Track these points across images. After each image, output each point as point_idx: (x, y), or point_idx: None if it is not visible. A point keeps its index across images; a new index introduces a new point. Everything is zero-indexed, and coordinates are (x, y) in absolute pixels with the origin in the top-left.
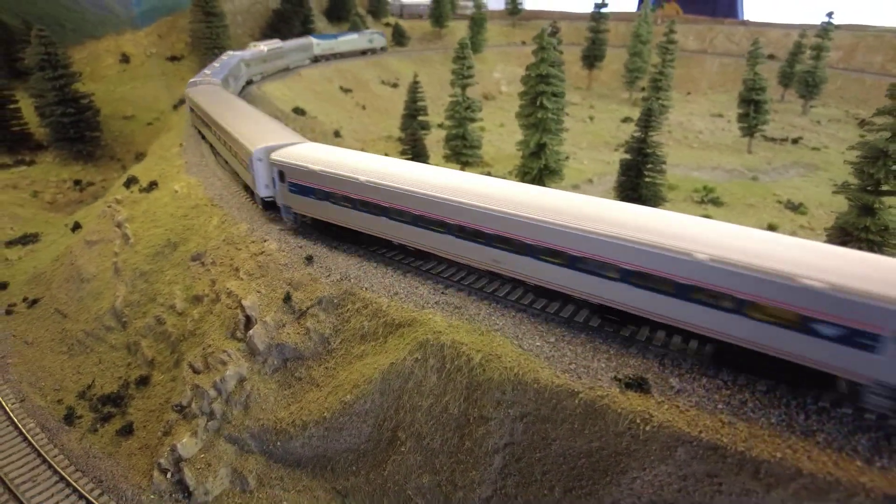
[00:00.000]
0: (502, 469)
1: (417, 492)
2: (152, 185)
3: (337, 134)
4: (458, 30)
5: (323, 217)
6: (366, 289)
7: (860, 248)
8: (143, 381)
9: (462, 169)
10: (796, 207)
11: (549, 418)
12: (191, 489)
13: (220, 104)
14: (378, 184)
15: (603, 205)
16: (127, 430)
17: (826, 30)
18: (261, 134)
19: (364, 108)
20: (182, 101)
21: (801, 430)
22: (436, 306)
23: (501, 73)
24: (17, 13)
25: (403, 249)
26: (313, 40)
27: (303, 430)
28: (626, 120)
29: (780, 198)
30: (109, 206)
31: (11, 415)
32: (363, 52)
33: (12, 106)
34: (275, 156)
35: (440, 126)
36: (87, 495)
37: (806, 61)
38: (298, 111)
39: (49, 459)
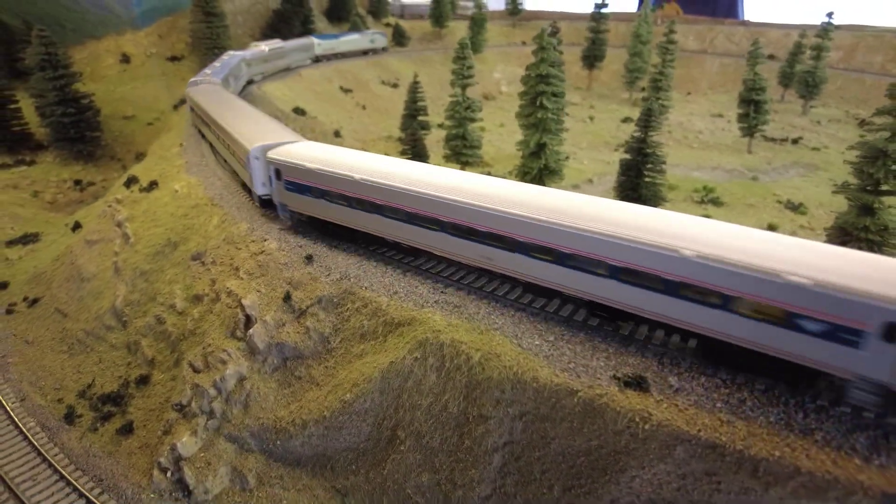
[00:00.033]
0: (501, 468)
1: (417, 490)
2: (152, 185)
3: (337, 134)
4: (459, 30)
5: (318, 215)
6: (365, 288)
7: (860, 248)
8: (144, 381)
9: (462, 169)
10: (796, 207)
11: (549, 417)
12: (191, 488)
13: (219, 103)
14: (372, 182)
15: (593, 202)
16: (127, 429)
17: (826, 30)
18: (258, 132)
19: (364, 108)
20: (182, 101)
21: (800, 429)
22: (435, 305)
23: (501, 74)
24: (18, 13)
25: (399, 247)
26: (314, 40)
27: (302, 429)
28: (626, 120)
29: (780, 198)
30: (110, 206)
31: (12, 414)
32: (365, 52)
33: (13, 106)
34: (271, 154)
35: (440, 126)
36: (87, 494)
37: (806, 61)
38: (299, 111)
39: (49, 458)
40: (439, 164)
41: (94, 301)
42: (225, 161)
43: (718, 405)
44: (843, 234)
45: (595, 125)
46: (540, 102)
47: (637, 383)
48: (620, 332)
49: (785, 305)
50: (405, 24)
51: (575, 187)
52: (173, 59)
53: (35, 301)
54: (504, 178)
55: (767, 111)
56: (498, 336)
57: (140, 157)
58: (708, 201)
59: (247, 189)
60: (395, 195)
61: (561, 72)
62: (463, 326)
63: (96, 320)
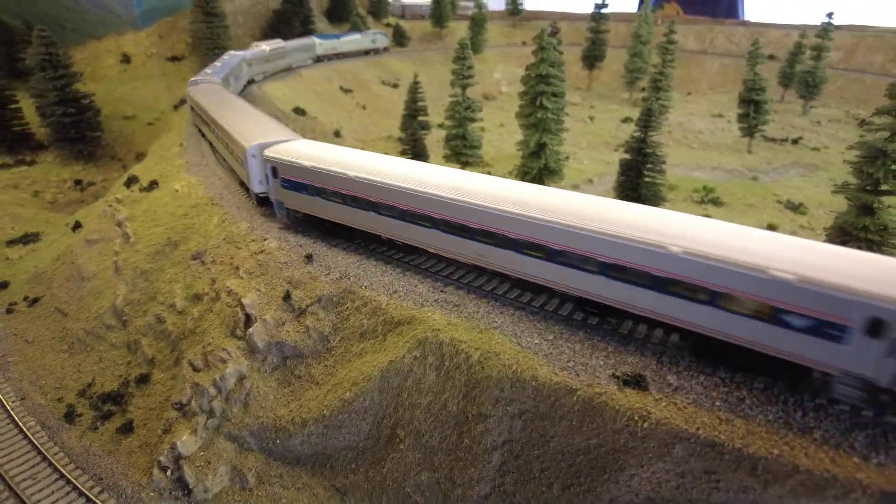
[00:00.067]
0: (501, 466)
1: (416, 489)
2: (153, 185)
3: (337, 134)
4: (459, 30)
5: (314, 212)
6: (365, 287)
7: (859, 248)
8: (144, 380)
9: (462, 169)
10: (796, 207)
11: (548, 415)
12: (190, 487)
13: (218, 102)
14: (366, 179)
15: (583, 200)
16: (127, 428)
17: (826, 30)
18: (255, 131)
19: (364, 108)
20: (183, 101)
21: (799, 427)
22: (435, 304)
23: (502, 74)
24: (18, 13)
25: (393, 244)
26: (316, 40)
27: (302, 428)
28: (626, 120)
29: (780, 198)
30: (110, 206)
31: (12, 413)
32: (366, 52)
33: (13, 106)
34: (268, 152)
35: (440, 126)
36: (87, 493)
37: (806, 62)
38: (299, 111)
39: (49, 457)
40: (439, 164)
41: (95, 300)
42: (224, 160)
43: (717, 403)
44: (842, 234)
45: (595, 125)
46: (540, 102)
47: (636, 382)
48: (619, 330)
49: (770, 301)
50: (405, 25)
51: (575, 187)
52: (173, 59)
53: (35, 300)
54: (504, 177)
55: (767, 111)
56: (497, 335)
57: (140, 156)
58: (708, 201)
59: (245, 187)
60: (388, 192)
61: (561, 72)
62: (462, 325)
63: (96, 319)
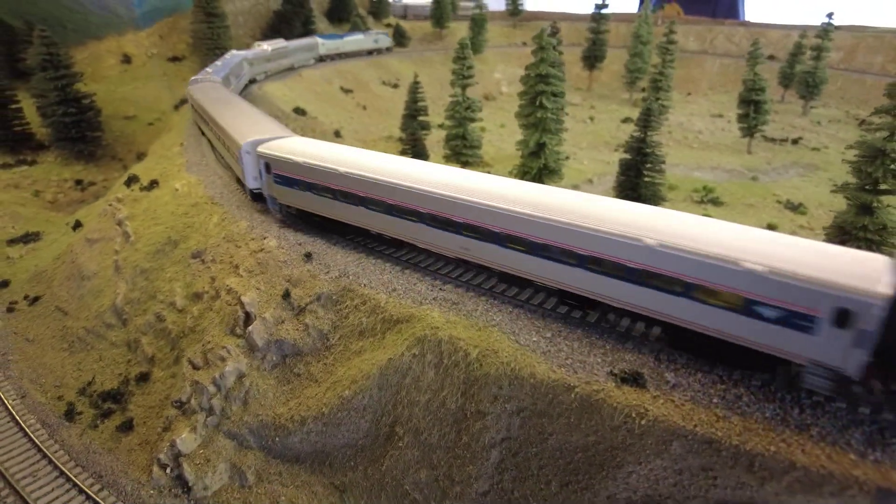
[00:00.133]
0: (499, 464)
1: (415, 487)
2: (153, 184)
3: (337, 134)
4: (459, 30)
5: (306, 207)
6: (364, 285)
7: (858, 247)
8: (143, 378)
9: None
10: (796, 207)
11: (546, 413)
12: (190, 484)
13: (217, 101)
14: (355, 174)
15: (564, 195)
16: (127, 426)
17: (826, 30)
18: (250, 128)
19: (365, 108)
20: (183, 101)
21: (796, 424)
22: (433, 302)
23: (502, 74)
24: (19, 14)
25: (382, 239)
26: (319, 40)
27: (301, 426)
28: (626, 120)
29: (780, 198)
30: (110, 205)
31: (12, 411)
32: (369, 52)
33: (14, 106)
34: (261, 148)
35: (440, 126)
36: (87, 490)
37: (806, 62)
38: (299, 111)
39: (49, 455)
40: (440, 164)
41: (95, 299)
42: (222, 157)
43: (715, 401)
44: (841, 234)
45: (595, 125)
46: (539, 102)
47: (634, 379)
48: (617, 328)
49: (742, 292)
50: (406, 25)
51: (575, 187)
52: (174, 59)
53: (36, 299)
54: (497, 176)
55: (767, 111)
56: (496, 332)
57: (141, 156)
58: (707, 201)
59: (241, 184)
60: (377, 187)
61: (560, 72)
62: (461, 323)
63: (97, 318)
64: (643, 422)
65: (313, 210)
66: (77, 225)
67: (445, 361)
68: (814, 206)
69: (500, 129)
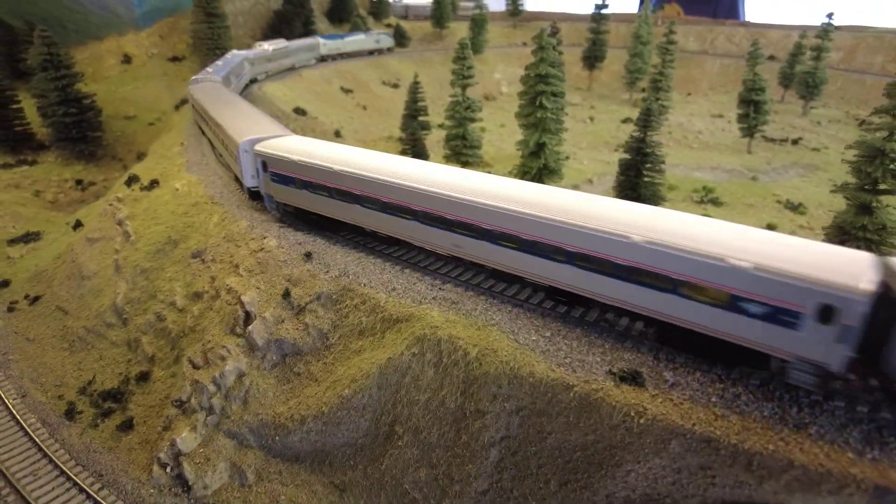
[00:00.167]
0: (498, 463)
1: (414, 485)
2: (153, 184)
3: (338, 134)
4: (459, 31)
5: (302, 205)
6: (364, 285)
7: (858, 247)
8: (144, 377)
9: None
10: (796, 207)
11: (545, 412)
12: (190, 483)
13: (216, 100)
14: (350, 173)
15: (555, 193)
16: (127, 426)
17: (826, 31)
18: (248, 127)
19: (365, 108)
20: (184, 101)
21: (794, 423)
22: (433, 302)
23: (502, 74)
24: (20, 14)
25: (376, 236)
26: (320, 40)
27: (301, 425)
28: (626, 120)
29: (780, 198)
30: (111, 205)
31: (13, 410)
32: (370, 53)
33: (15, 106)
34: (258, 147)
35: (441, 126)
36: (87, 489)
37: (806, 62)
38: (299, 111)
39: (50, 454)
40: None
41: (95, 299)
42: (220, 156)
43: (713, 399)
44: (841, 234)
45: (595, 125)
46: (539, 102)
47: (632, 378)
48: (616, 328)
49: (728, 289)
50: (406, 25)
51: (575, 187)
52: (174, 59)
53: (36, 299)
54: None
55: (767, 112)
56: (495, 332)
57: (141, 156)
58: (707, 201)
59: (240, 183)
60: (371, 185)
61: (560, 72)
62: (460, 322)
63: (97, 318)
64: (642, 420)
65: (309, 208)
66: (77, 225)
67: (445, 360)
68: (813, 206)
69: (500, 129)
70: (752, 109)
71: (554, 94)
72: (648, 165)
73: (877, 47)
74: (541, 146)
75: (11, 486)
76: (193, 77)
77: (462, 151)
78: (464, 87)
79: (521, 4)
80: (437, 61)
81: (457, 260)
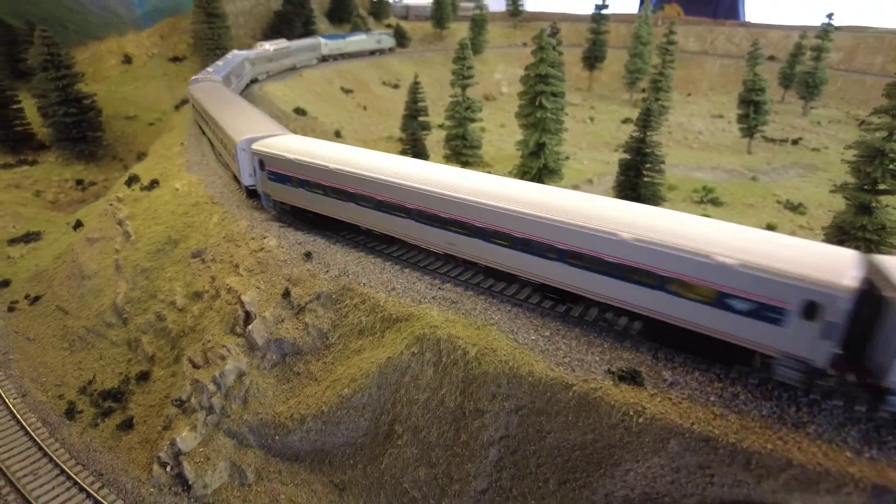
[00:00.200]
0: (498, 462)
1: (414, 485)
2: (153, 184)
3: (338, 134)
4: (460, 31)
5: (298, 204)
6: (364, 284)
7: (857, 247)
8: (144, 377)
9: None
10: (795, 207)
11: (544, 411)
12: (190, 482)
13: (216, 99)
14: (345, 171)
15: (547, 191)
16: (127, 425)
17: (826, 31)
18: (246, 126)
19: (365, 108)
20: (184, 101)
21: (793, 422)
22: (433, 301)
23: (502, 74)
24: (20, 14)
25: (371, 234)
26: (321, 40)
27: (301, 424)
28: (626, 121)
29: (780, 198)
30: (111, 204)
31: (13, 409)
32: (372, 53)
33: (15, 106)
34: (255, 146)
35: (441, 126)
36: (87, 488)
37: (806, 62)
38: (299, 111)
39: (50, 453)
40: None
41: (95, 298)
42: (219, 155)
43: (712, 399)
44: (840, 234)
45: (595, 126)
46: (539, 102)
47: (631, 377)
48: (615, 327)
49: (715, 286)
50: (406, 26)
51: (575, 187)
52: (175, 59)
53: (37, 299)
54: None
55: (767, 112)
56: (494, 331)
57: (141, 156)
58: (707, 201)
59: (237, 181)
60: (366, 184)
61: (560, 72)
62: (460, 322)
63: (97, 317)
64: (640, 420)
65: (305, 206)
66: (78, 224)
67: (444, 360)
68: (813, 207)
69: (500, 129)
70: (752, 110)
71: (554, 95)
72: (648, 165)
73: (877, 47)
74: (541, 146)
75: (12, 485)
76: (194, 77)
77: (462, 151)
78: (464, 88)
79: (521, 5)
80: (437, 62)
81: (454, 259)
